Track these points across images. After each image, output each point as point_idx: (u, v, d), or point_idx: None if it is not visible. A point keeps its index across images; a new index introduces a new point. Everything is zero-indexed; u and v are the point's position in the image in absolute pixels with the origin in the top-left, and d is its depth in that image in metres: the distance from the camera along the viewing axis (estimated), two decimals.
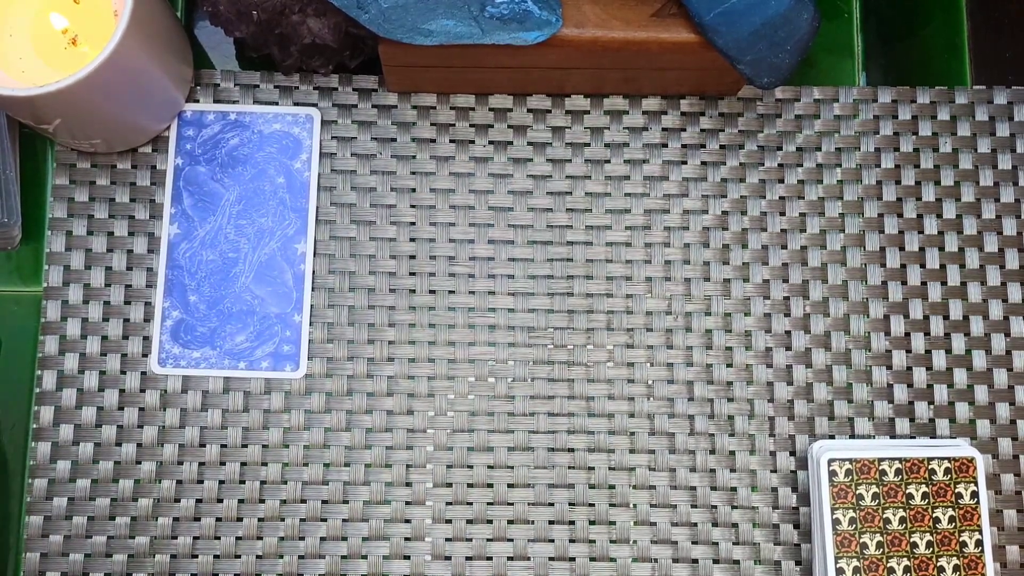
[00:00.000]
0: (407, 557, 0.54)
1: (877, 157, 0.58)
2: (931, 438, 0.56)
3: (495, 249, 0.57)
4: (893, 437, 0.56)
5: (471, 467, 0.55)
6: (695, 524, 0.54)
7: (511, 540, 0.54)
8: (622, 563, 0.54)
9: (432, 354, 0.56)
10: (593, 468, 0.55)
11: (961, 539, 0.52)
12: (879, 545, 0.52)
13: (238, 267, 0.56)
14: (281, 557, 0.54)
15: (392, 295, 0.56)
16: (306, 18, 0.52)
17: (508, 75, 0.56)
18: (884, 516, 0.52)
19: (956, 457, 0.53)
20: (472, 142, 0.58)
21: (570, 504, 0.55)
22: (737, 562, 0.54)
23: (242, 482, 0.54)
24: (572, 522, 0.54)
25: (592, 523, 0.54)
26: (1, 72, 0.51)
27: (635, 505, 0.55)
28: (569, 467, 0.55)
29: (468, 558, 0.54)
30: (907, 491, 0.53)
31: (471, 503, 0.54)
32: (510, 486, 0.55)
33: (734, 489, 0.55)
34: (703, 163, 0.58)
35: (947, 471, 0.53)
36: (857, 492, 0.52)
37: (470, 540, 0.54)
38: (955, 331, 0.57)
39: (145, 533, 0.54)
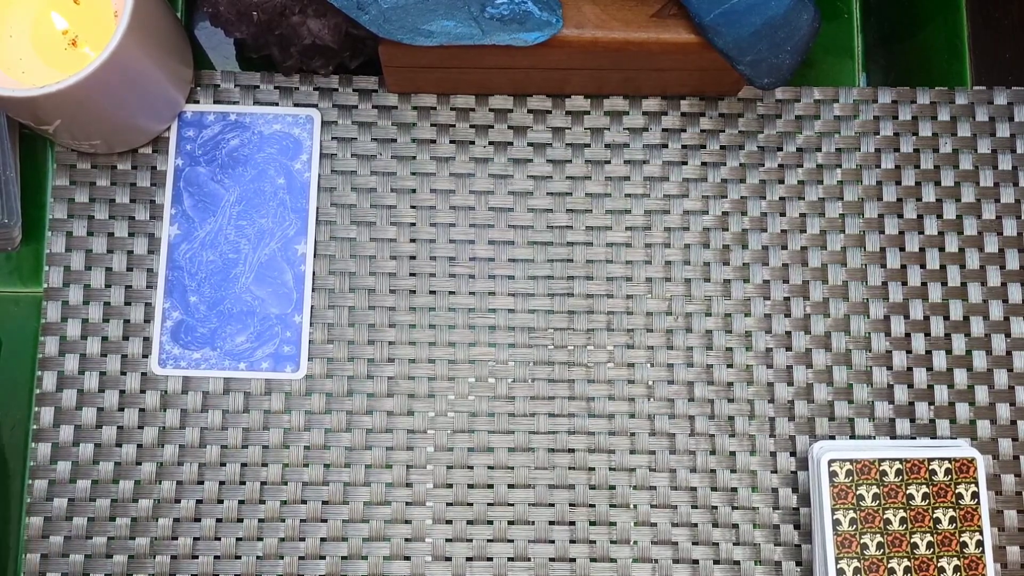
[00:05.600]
0: (407, 558, 0.54)
1: (877, 157, 0.58)
2: (931, 439, 0.56)
3: (495, 250, 0.57)
4: (893, 438, 0.56)
5: (471, 468, 0.55)
6: (695, 525, 0.54)
7: (511, 541, 0.54)
8: (623, 564, 0.54)
9: (432, 355, 0.56)
10: (593, 469, 0.55)
11: (962, 540, 0.52)
12: (879, 546, 0.52)
13: (238, 268, 0.56)
14: (281, 558, 0.54)
15: (392, 296, 0.56)
16: (306, 19, 0.52)
17: (508, 76, 0.56)
18: (884, 517, 0.52)
19: (956, 458, 0.53)
20: (472, 143, 0.58)
21: (570, 505, 0.55)
22: (738, 563, 0.54)
23: (242, 483, 0.54)
24: (572, 523, 0.54)
25: (592, 524, 0.54)
26: (1, 73, 0.51)
27: (635, 506, 0.55)
28: (569, 468, 0.55)
29: (468, 559, 0.54)
30: (907, 491, 0.53)
31: (471, 504, 0.54)
32: (510, 487, 0.55)
33: (734, 490, 0.55)
34: (703, 164, 0.58)
35: (947, 472, 0.53)
36: (857, 492, 0.52)
37: (470, 541, 0.54)
38: (955, 331, 0.57)
39: (145, 534, 0.54)
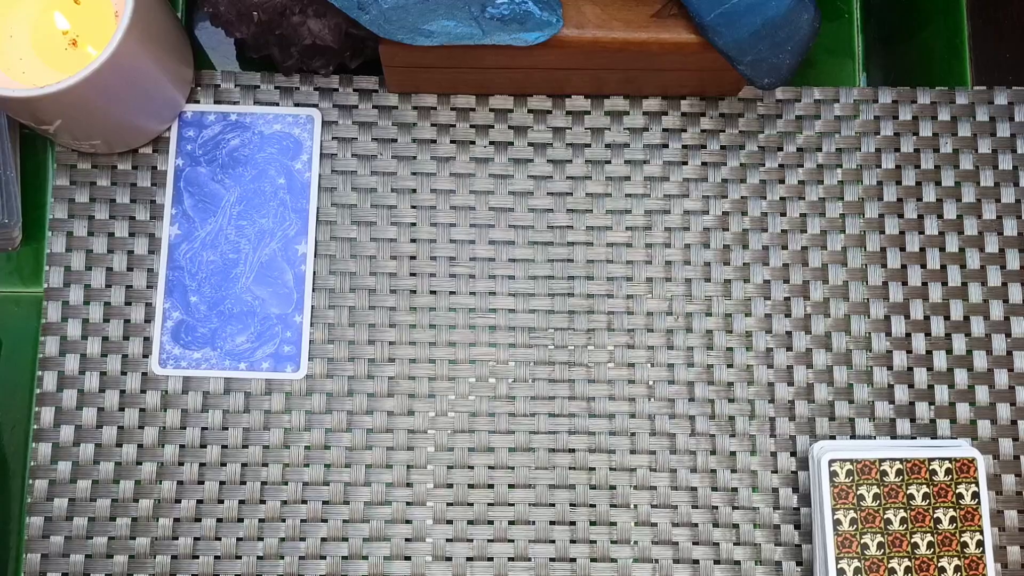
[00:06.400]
0: (408, 558, 0.54)
1: (877, 157, 0.58)
2: (932, 439, 0.56)
3: (496, 250, 0.57)
4: (894, 438, 0.56)
5: (472, 468, 0.55)
6: (696, 525, 0.54)
7: (512, 541, 0.54)
8: (623, 564, 0.54)
9: (433, 355, 0.56)
10: (594, 469, 0.55)
11: (962, 540, 0.52)
12: (880, 546, 0.52)
13: (239, 268, 0.56)
14: (282, 558, 0.54)
15: (393, 296, 0.56)
16: (307, 19, 0.52)
17: (508, 76, 0.56)
18: (885, 516, 0.52)
19: (957, 458, 0.53)
20: (473, 143, 0.58)
21: (571, 505, 0.55)
22: (738, 563, 0.54)
23: (243, 483, 0.54)
24: (573, 523, 0.54)
25: (593, 524, 0.54)
26: (1, 73, 0.51)
27: (636, 506, 0.55)
28: (570, 468, 0.55)
29: (469, 559, 0.54)
30: (908, 491, 0.53)
31: (472, 504, 0.54)
32: (511, 487, 0.55)
33: (735, 490, 0.55)
34: (703, 164, 0.58)
35: (948, 471, 0.53)
36: (858, 492, 0.52)
37: (471, 541, 0.54)
38: (956, 331, 0.57)
39: (146, 534, 0.54)
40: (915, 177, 0.58)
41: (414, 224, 0.57)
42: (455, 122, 0.58)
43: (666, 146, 0.58)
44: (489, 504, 0.54)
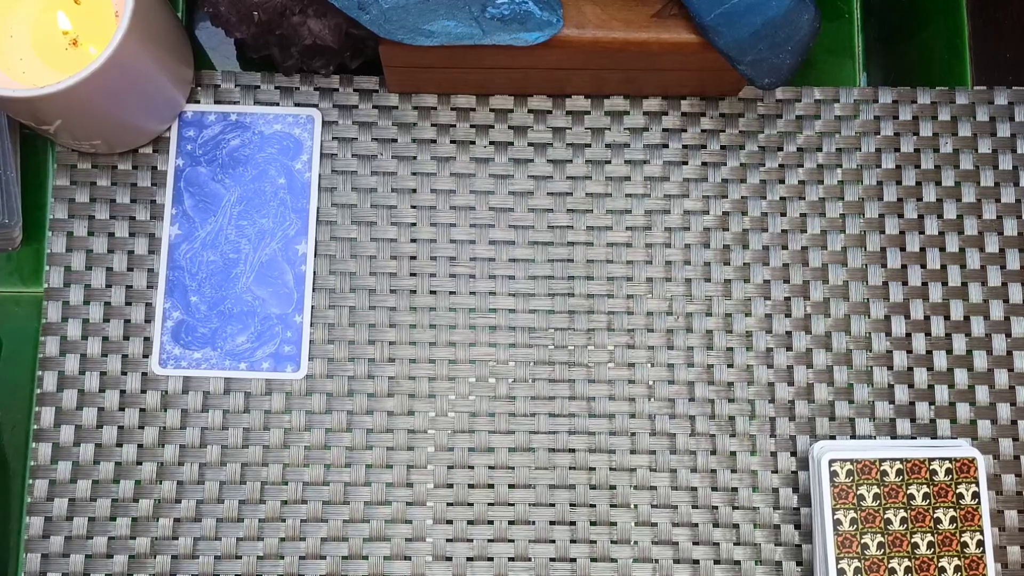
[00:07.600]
0: (408, 558, 0.54)
1: (878, 157, 0.58)
2: (932, 439, 0.56)
3: (496, 250, 0.57)
4: (894, 438, 0.56)
5: (472, 468, 0.55)
6: (696, 525, 0.54)
7: (512, 541, 0.54)
8: (623, 564, 0.54)
9: (433, 355, 0.56)
10: (594, 469, 0.55)
11: (962, 540, 0.52)
12: (880, 546, 0.52)
13: (239, 268, 0.56)
14: (282, 558, 0.54)
15: (393, 296, 0.56)
16: (307, 19, 0.52)
17: (509, 76, 0.56)
18: (885, 516, 0.52)
19: (957, 458, 0.53)
20: (473, 143, 0.58)
21: (571, 505, 0.55)
22: (738, 563, 0.54)
23: (243, 483, 0.54)
24: (573, 523, 0.54)
25: (593, 524, 0.54)
26: (2, 73, 0.51)
27: (636, 506, 0.55)
28: (570, 468, 0.55)
29: (469, 559, 0.54)
30: (908, 491, 0.53)
31: (472, 504, 0.54)
32: (511, 487, 0.55)
33: (735, 490, 0.55)
34: (704, 164, 0.58)
35: (948, 471, 0.53)
36: (858, 492, 0.52)
37: (471, 541, 0.54)
38: (956, 331, 0.57)
39: (146, 534, 0.54)
40: (915, 177, 0.58)
41: (414, 224, 0.57)
42: (455, 122, 0.58)
43: (666, 146, 0.58)
44: (489, 504, 0.54)
